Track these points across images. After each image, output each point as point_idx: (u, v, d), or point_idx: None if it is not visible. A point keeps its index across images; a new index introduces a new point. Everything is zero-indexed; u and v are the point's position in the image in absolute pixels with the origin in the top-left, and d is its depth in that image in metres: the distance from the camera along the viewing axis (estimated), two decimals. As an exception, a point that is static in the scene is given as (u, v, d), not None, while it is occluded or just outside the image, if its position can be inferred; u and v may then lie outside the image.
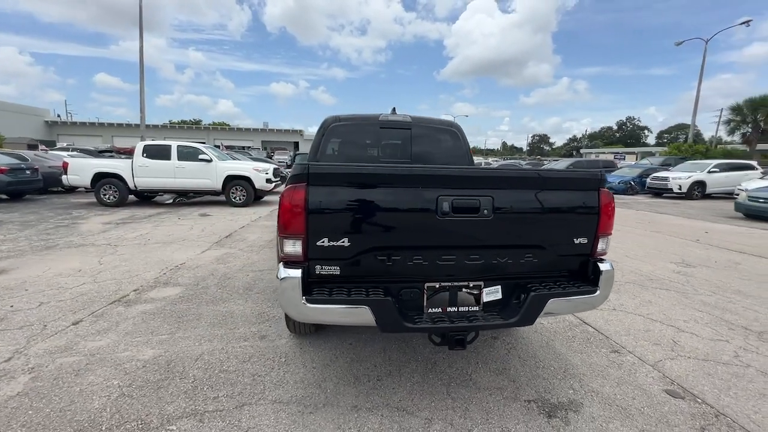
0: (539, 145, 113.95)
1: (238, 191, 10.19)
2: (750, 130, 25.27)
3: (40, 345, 2.67)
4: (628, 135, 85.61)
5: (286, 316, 2.64)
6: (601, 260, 2.09)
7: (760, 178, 13.50)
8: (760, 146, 27.74)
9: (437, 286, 1.97)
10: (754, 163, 16.95)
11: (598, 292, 2.03)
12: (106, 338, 2.80)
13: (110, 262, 4.72)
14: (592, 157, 45.07)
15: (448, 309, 1.98)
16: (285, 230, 1.81)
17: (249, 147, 43.35)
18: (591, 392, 2.30)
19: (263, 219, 8.35)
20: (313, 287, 1.85)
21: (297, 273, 1.77)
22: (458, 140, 3.77)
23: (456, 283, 1.98)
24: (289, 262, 1.84)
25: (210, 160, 9.91)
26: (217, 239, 6.20)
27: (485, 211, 1.85)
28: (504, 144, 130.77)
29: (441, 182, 1.85)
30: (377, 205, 1.81)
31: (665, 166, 19.31)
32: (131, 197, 10.12)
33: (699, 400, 2.23)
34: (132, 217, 8.27)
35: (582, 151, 70.25)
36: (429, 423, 2.00)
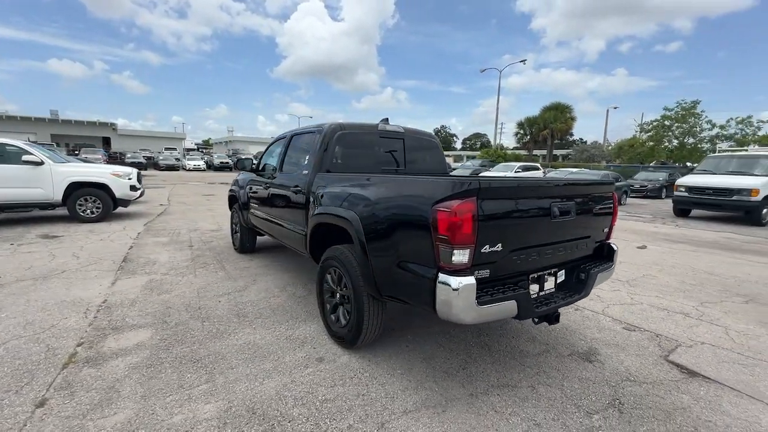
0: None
1: (88, 203, 7.93)
2: (528, 138, 35.03)
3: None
4: (443, 141, 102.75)
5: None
6: (612, 243, 2.95)
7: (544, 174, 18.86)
8: (536, 151, 38.45)
9: (536, 275, 2.42)
10: (537, 164, 23.42)
11: (613, 265, 2.86)
12: (130, 406, 2.11)
13: (-21, 316, 3.23)
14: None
15: (540, 293, 2.45)
16: (454, 241, 1.92)
17: (34, 142, 32.77)
18: (594, 340, 3.16)
19: (150, 235, 6.85)
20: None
21: (471, 280, 1.92)
22: (439, 150, 4.24)
23: (546, 271, 2.47)
24: (454, 270, 1.96)
25: (40, 163, 7.38)
26: (114, 266, 4.88)
27: (572, 213, 2.40)
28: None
29: (562, 191, 2.36)
30: (523, 212, 2.13)
31: (484, 167, 24.49)
32: None
33: (643, 329, 3.38)
34: None
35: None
36: (533, 388, 2.43)
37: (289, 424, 2.04)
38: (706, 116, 22.64)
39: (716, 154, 13.27)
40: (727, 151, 13.65)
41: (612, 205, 2.83)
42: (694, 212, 12.06)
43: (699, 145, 22.70)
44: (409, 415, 2.15)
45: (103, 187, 8.01)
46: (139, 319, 3.31)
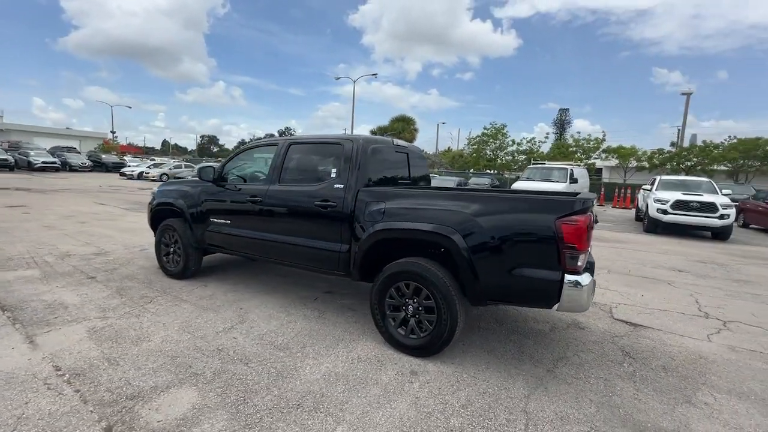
0: (209, 146, 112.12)
1: None
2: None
3: None
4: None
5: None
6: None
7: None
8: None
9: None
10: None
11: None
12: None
13: None
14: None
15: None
16: (580, 248, 2.39)
17: None
18: (569, 315, 4.16)
19: (2, 270, 4.78)
20: None
21: (591, 277, 2.43)
22: (426, 163, 4.61)
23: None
24: (574, 271, 2.43)
25: None
26: (1, 319, 3.37)
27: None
28: (166, 142, 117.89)
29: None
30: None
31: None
32: None
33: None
34: None
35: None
36: (576, 355, 3.14)
37: (461, 434, 2.13)
38: (510, 136, 30.04)
39: (531, 166, 17.78)
40: (536, 164, 18.53)
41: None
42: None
43: (506, 158, 29.77)
44: (532, 397, 2.52)
45: None
46: (153, 377, 2.54)
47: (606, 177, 30.46)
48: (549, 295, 2.49)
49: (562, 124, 60.66)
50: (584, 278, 2.43)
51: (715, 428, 2.30)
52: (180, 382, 2.51)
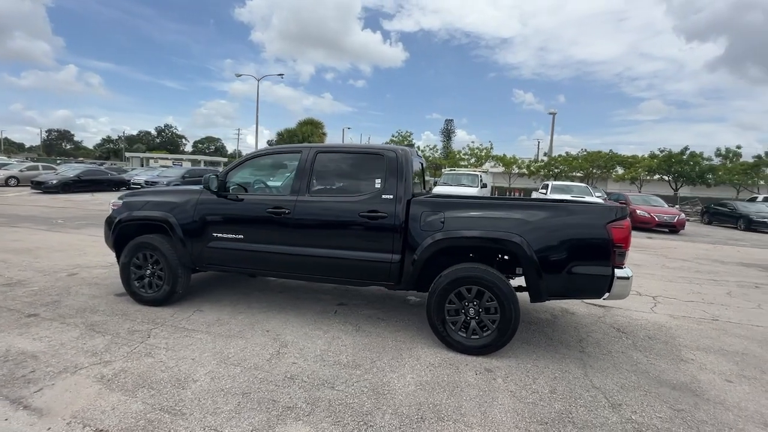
0: (59, 142, 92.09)
1: None
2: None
3: None
4: (168, 141, 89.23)
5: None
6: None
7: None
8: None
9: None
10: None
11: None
12: None
13: None
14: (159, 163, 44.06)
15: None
16: (626, 247, 2.92)
17: None
18: (559, 304, 4.86)
19: None
20: None
21: (630, 270, 2.98)
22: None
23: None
24: (619, 266, 2.95)
25: None
26: (-60, 383, 2.45)
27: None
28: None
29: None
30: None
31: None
32: None
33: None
34: None
35: (127, 155, 65.28)
36: (603, 333, 3.75)
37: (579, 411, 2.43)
38: (416, 143, 32.39)
39: (447, 172, 19.43)
40: (451, 171, 20.41)
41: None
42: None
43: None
44: (590, 374, 2.96)
45: None
46: (245, 420, 2.21)
47: (492, 182, 35.02)
48: (602, 287, 2.98)
49: (448, 133, 67.18)
50: (628, 271, 2.99)
51: (710, 376, 3.07)
52: (280, 419, 2.25)
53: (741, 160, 28.31)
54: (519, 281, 3.44)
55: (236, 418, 2.24)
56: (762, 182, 27.18)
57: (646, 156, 29.62)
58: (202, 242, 3.79)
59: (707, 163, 27.62)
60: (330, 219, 3.50)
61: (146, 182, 18.87)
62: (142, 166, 39.22)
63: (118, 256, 4.11)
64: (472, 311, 3.17)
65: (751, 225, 16.54)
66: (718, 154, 28.87)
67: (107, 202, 5.96)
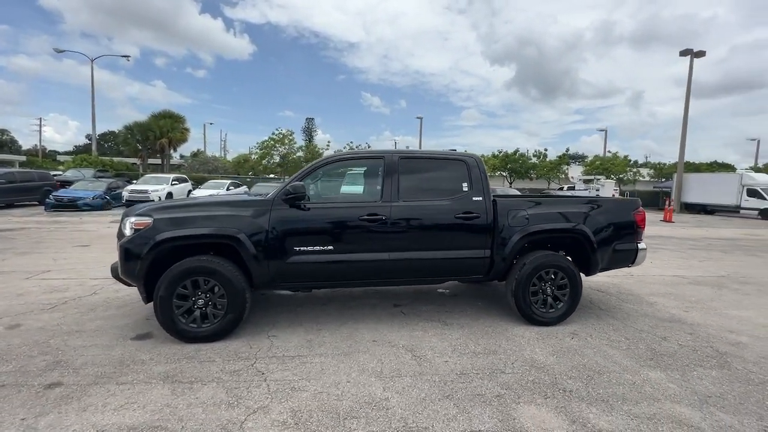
0: None
1: None
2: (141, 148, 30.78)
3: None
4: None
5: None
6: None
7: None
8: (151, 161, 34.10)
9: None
10: (185, 176, 22.24)
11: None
12: None
13: None
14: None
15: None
16: (643, 228, 4.05)
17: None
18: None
19: None
20: None
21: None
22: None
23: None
24: (639, 242, 4.08)
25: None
26: None
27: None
28: None
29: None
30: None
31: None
32: None
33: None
34: None
35: None
36: (618, 304, 4.92)
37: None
38: (296, 142, 31.40)
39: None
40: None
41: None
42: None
43: (297, 164, 30.76)
44: (630, 345, 4.01)
45: None
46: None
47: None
48: (631, 258, 4.07)
49: (310, 132, 67.06)
50: (644, 245, 4.17)
51: (706, 317, 4.51)
52: (506, 405, 2.45)
53: (548, 159, 37.50)
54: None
55: (470, 413, 2.34)
56: (563, 176, 36.74)
57: (489, 156, 36.27)
58: (280, 259, 3.37)
59: (531, 161, 35.67)
60: (427, 223, 3.64)
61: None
62: None
63: (149, 291, 3.24)
64: (549, 290, 3.84)
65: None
66: (535, 154, 37.57)
67: None
